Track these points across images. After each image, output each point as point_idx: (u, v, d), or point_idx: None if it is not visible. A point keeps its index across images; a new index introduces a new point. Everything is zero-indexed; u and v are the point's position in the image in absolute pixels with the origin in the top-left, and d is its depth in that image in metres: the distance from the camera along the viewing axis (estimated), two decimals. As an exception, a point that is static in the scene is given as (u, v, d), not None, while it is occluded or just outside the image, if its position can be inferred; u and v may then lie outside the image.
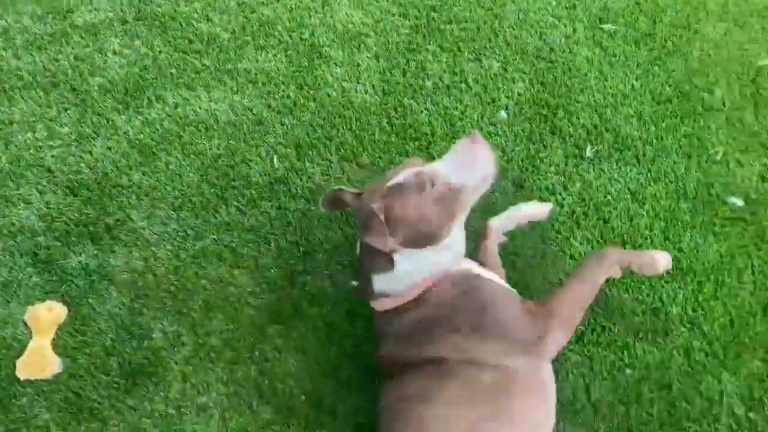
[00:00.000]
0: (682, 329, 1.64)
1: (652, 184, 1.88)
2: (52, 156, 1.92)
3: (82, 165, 1.90)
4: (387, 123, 1.99)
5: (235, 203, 1.85)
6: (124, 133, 1.96)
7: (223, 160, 1.92)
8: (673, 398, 1.55)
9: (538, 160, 1.92)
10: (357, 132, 1.97)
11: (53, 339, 1.62)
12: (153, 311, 1.67)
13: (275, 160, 1.92)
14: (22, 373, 1.57)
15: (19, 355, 1.60)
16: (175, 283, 1.71)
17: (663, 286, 1.70)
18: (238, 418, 1.53)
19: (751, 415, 1.53)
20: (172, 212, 1.83)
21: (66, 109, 2.01)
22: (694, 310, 1.67)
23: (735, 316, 1.66)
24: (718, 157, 1.93)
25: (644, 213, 1.83)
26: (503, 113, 2.02)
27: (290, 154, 1.94)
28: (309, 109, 2.02)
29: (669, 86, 2.06)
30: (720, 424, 1.52)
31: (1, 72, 2.07)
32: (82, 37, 2.18)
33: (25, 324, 1.65)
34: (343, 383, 1.58)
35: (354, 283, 1.71)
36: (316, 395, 1.56)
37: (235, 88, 2.07)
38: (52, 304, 1.66)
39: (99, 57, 2.12)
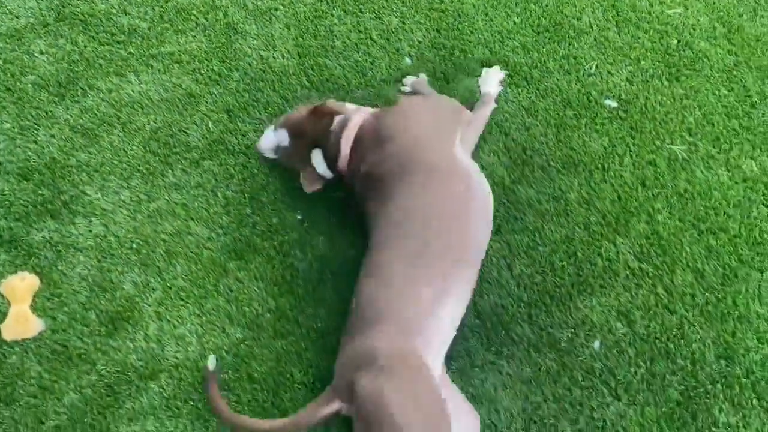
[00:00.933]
0: (580, 209, 1.95)
1: (541, 99, 2.19)
2: (-1, 150, 2.05)
3: (29, 153, 2.05)
4: (306, 81, 2.22)
5: (180, 166, 2.04)
6: (65, 120, 2.11)
7: (162, 132, 2.10)
8: (579, 263, 1.86)
9: (444, 92, 2.19)
10: (280, 92, 2.19)
11: (31, 304, 1.77)
12: (120, 267, 1.85)
13: (210, 124, 2.12)
14: (7, 336, 1.71)
15: (1, 322, 1.74)
16: (137, 240, 1.89)
17: (561, 179, 2.00)
18: (214, 340, 1.73)
19: (642, 265, 1.85)
20: (123, 182, 2.00)
21: (4, 108, 2.14)
22: (587, 193, 1.98)
23: (621, 192, 1.98)
24: (593, 70, 2.25)
25: (538, 123, 2.13)
26: (407, 59, 2.28)
27: (223, 119, 2.14)
28: (233, 79, 2.23)
29: (544, 18, 2.37)
30: (619, 277, 1.83)
31: (-66, 82, 2.18)
32: (7, 43, 2.30)
33: (2, 296, 1.79)
34: (301, 297, 1.80)
35: (299, 216, 1.94)
36: (279, 311, 1.78)
37: (162, 69, 2.24)
38: (24, 275, 1.81)
39: (27, 58, 2.26)
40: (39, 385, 1.65)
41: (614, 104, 2.17)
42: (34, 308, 1.77)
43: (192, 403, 1.65)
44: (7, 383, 1.65)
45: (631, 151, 2.06)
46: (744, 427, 1.60)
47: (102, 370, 1.68)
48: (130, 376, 1.68)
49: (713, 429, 1.60)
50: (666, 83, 2.21)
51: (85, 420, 1.61)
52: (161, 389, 1.66)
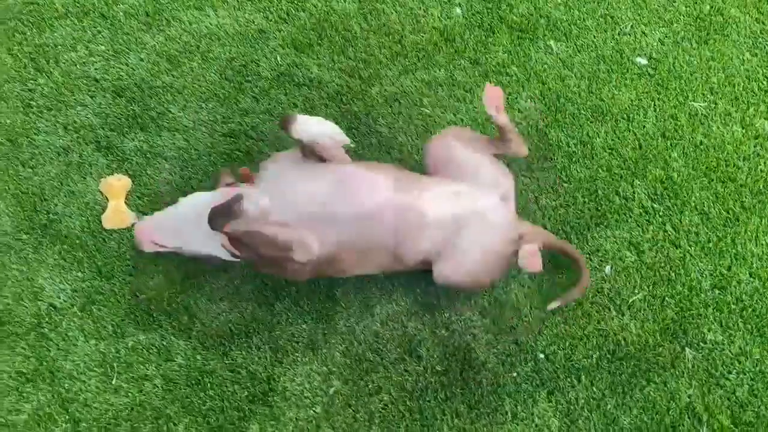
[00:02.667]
0: (604, 153, 2.19)
1: (578, 54, 2.40)
2: (96, 69, 2.34)
3: (122, 74, 2.34)
4: (365, 24, 2.45)
5: (251, 93, 2.31)
6: (152, 47, 2.39)
7: (236, 62, 2.37)
8: (599, 200, 2.10)
9: (489, 44, 2.42)
10: (342, 32, 2.43)
11: (126, 201, 2.08)
12: (199, 175, 2.14)
13: (279, 58, 2.38)
14: (107, 225, 2.04)
15: (101, 214, 2.07)
16: (213, 153, 2.19)
17: (589, 125, 2.24)
18: (278, 241, 2.03)
19: (654, 205, 2.09)
20: (202, 104, 2.28)
21: (99, 32, 2.42)
22: (612, 140, 2.21)
23: (642, 141, 2.21)
24: (628, 30, 2.45)
25: (572, 75, 2.35)
26: (458, 10, 2.50)
27: (290, 53, 2.40)
28: (300, 18, 2.47)
29: (587, -21, 2.57)
30: (633, 213, 2.07)
31: (38, 5, 2.46)
32: (99, -25, 2.58)
33: (101, 192, 2.10)
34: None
35: (352, 145, 2.21)
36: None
37: (236, 6, 2.50)
38: (119, 176, 2.12)
39: (118, -11, 2.53)
40: (134, 266, 1.98)
41: (644, 62, 2.38)
42: (129, 205, 2.08)
43: (257, 291, 1.95)
44: (108, 263, 1.98)
45: (655, 105, 2.28)
46: (729, 344, 1.86)
47: (184, 258, 1.99)
48: (206, 266, 1.99)
49: (701, 344, 1.86)
50: (695, 45, 2.40)
51: (171, 296, 1.93)
52: (232, 277, 1.97)
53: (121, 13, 2.46)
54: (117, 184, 2.10)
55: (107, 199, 2.09)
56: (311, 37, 2.43)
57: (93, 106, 2.27)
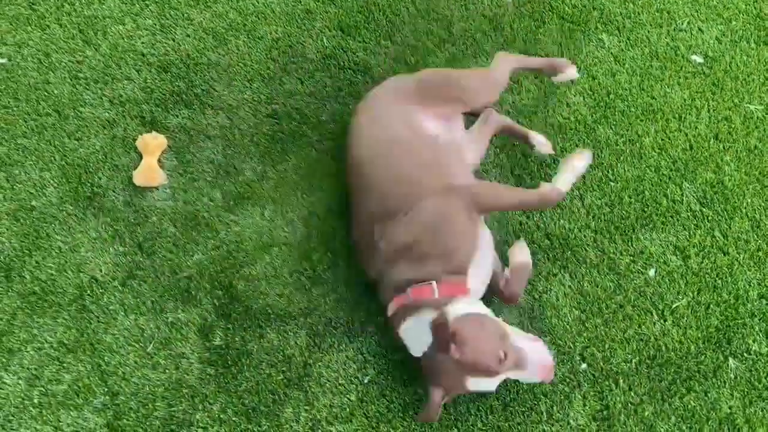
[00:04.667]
0: (653, 153, 2.13)
1: (630, 49, 2.34)
2: (142, 43, 2.34)
3: (168, 49, 2.33)
4: (413, 8, 2.41)
5: (296, 75, 2.29)
6: (198, 23, 2.38)
7: (282, 42, 2.35)
8: (646, 201, 2.06)
9: (539, 34, 2.36)
10: (389, 15, 2.40)
11: (159, 161, 2.09)
12: (242, 155, 2.14)
13: (325, 40, 2.35)
14: (137, 181, 2.06)
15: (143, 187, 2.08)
16: (257, 134, 2.18)
17: (639, 124, 2.18)
18: (320, 228, 2.02)
19: (703, 209, 2.03)
20: (246, 83, 2.27)
21: (147, 6, 2.41)
22: (662, 140, 2.15)
23: (693, 143, 2.15)
24: (684, 26, 2.38)
25: (624, 71, 2.29)
26: (509, -2, 2.45)
27: (336, 36, 2.37)
28: (347, 0, 2.44)
29: (644, -29, 2.49)
30: (680, 217, 2.02)
31: (88, -24, 2.46)
32: (148, -53, 2.56)
33: (136, 149, 2.12)
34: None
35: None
36: (375, 209, 2.05)
37: (284, -15, 2.47)
38: (156, 134, 2.14)
39: (166, -37, 2.52)
40: (174, 243, 1.98)
41: (700, 60, 2.31)
42: (162, 165, 2.09)
43: (296, 276, 1.95)
44: (149, 239, 1.99)
45: (709, 105, 2.21)
46: (773, 357, 1.82)
47: (224, 238, 2.00)
48: (246, 246, 1.99)
49: (745, 354, 1.82)
50: (753, 45, 2.32)
51: (211, 275, 1.94)
52: (272, 260, 1.97)
53: (169, -12, 2.45)
54: (153, 142, 2.10)
55: (141, 155, 2.10)
56: (358, 19, 2.40)
57: (139, 80, 2.27)
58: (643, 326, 1.87)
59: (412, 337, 1.70)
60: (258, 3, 2.43)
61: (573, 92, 2.25)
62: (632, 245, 1.99)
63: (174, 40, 2.35)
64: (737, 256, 1.96)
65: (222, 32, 2.37)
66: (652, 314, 1.88)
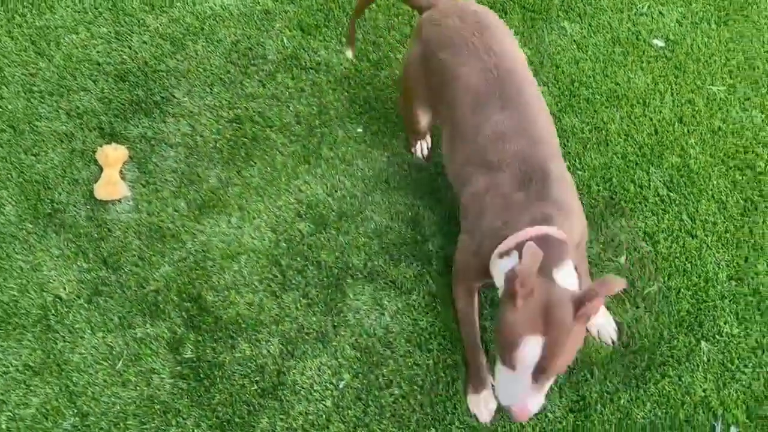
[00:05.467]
0: (619, 140, 2.13)
1: (592, 35, 2.33)
2: (98, 52, 2.28)
3: (125, 57, 2.28)
4: (374, 4, 2.38)
5: (257, 77, 2.25)
6: (155, 29, 2.33)
7: (241, 44, 2.31)
8: (614, 188, 2.05)
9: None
10: (350, 13, 2.36)
11: (120, 172, 2.05)
12: (205, 163, 2.10)
13: (285, 40, 2.31)
14: (99, 195, 2.01)
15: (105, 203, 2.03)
16: (219, 140, 2.14)
17: (604, 111, 2.18)
18: (286, 231, 1.99)
19: (671, 194, 2.04)
20: (207, 88, 2.23)
21: (101, 14, 2.36)
22: (627, 126, 2.15)
23: (658, 127, 2.15)
24: (645, 10, 2.38)
25: (587, 58, 2.28)
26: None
27: (297, 35, 2.33)
28: (307, -1, 2.40)
29: (603, -44, 2.49)
30: (648, 202, 2.03)
31: (38, -14, 2.40)
32: (100, -47, 2.50)
33: (96, 162, 2.07)
34: (360, 201, 2.04)
35: (360, 130, 2.16)
36: (341, 212, 2.02)
37: (241, -14, 2.43)
38: (116, 146, 2.09)
39: (119, -32, 2.46)
40: (139, 256, 1.94)
41: (662, 44, 2.31)
42: (124, 177, 2.05)
43: (266, 283, 1.92)
44: (113, 253, 1.95)
45: (672, 89, 2.21)
46: (745, 337, 1.83)
47: (191, 248, 1.96)
48: (214, 255, 1.96)
49: (717, 337, 1.83)
50: (714, 26, 2.32)
51: (179, 287, 1.90)
52: (240, 268, 1.94)
53: (123, -6, 2.39)
54: (113, 154, 2.06)
55: (101, 168, 2.05)
56: (318, 18, 2.36)
57: (96, 91, 2.21)
58: (616, 314, 1.87)
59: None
60: (215, 6, 2.38)
61: (538, 82, 2.23)
62: (602, 233, 1.99)
63: (130, 48, 2.29)
64: (705, 238, 1.96)
65: (179, 37, 2.32)
66: (624, 302, 1.89)
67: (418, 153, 2.13)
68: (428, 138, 2.12)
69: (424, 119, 1.97)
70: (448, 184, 1.88)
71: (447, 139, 1.80)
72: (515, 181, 1.59)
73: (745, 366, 1.80)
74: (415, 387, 1.77)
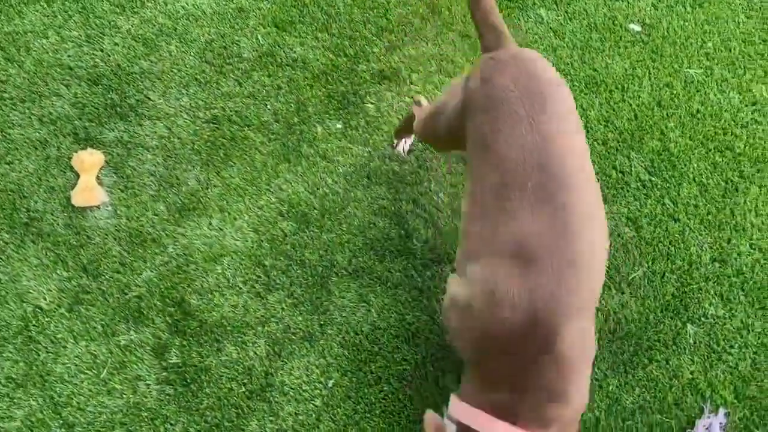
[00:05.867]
0: (599, 126, 2.13)
1: (569, 22, 2.32)
2: (69, 56, 2.24)
3: (97, 60, 2.24)
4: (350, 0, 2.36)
5: (233, 76, 2.23)
6: (126, 30, 2.29)
7: (215, 43, 2.28)
8: (595, 174, 2.05)
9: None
10: (324, 7, 2.34)
11: (97, 178, 2.02)
12: (184, 165, 2.07)
13: (260, 37, 2.28)
14: (76, 201, 1.98)
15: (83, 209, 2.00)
16: (197, 141, 2.11)
17: (583, 97, 2.17)
18: (269, 231, 1.97)
19: (652, 178, 2.04)
20: (182, 89, 2.20)
21: (70, 17, 2.31)
22: (607, 112, 2.15)
23: (638, 112, 2.15)
24: (620, -5, 2.38)
25: (564, 45, 2.28)
26: (444, -20, 2.41)
27: (272, 32, 2.30)
28: (280, -5, 2.37)
29: (577, -58, 2.48)
30: (630, 187, 2.03)
31: (4, -9, 2.35)
32: (67, -45, 2.45)
33: (72, 168, 2.03)
34: (342, 197, 2.02)
35: (339, 126, 2.14)
36: (323, 209, 2.01)
37: (213, -16, 2.39)
38: (92, 151, 2.06)
39: (87, -30, 2.41)
40: (120, 262, 1.92)
41: (638, 28, 2.31)
42: (101, 183, 2.02)
43: (250, 284, 1.90)
44: (93, 260, 1.92)
45: (650, 73, 2.21)
46: (730, 318, 1.84)
47: (172, 252, 1.94)
48: (196, 258, 1.93)
49: (703, 319, 1.84)
50: (689, 9, 2.33)
51: (162, 292, 1.88)
52: (224, 270, 1.92)
53: (92, -5, 2.35)
54: (89, 160, 2.02)
55: (77, 174, 2.02)
56: (292, 14, 2.33)
57: (68, 96, 2.17)
58: (602, 301, 1.87)
59: None
60: (188, 5, 2.34)
61: (515, 71, 2.23)
62: (585, 220, 1.98)
63: (102, 51, 2.25)
64: (688, 221, 1.97)
65: (152, 38, 2.28)
66: (610, 288, 1.89)
67: (400, 149, 2.11)
68: (411, 135, 2.10)
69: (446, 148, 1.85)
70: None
71: (465, 200, 1.47)
72: (510, 333, 1.23)
73: (731, 347, 1.81)
74: (404, 382, 1.77)
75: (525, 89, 1.39)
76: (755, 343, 1.81)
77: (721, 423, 1.71)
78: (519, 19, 2.32)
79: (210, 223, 1.98)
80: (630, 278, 1.90)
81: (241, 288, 1.89)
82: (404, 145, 2.11)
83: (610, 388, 1.76)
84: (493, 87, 1.42)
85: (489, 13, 1.60)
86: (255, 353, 1.80)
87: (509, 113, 1.37)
